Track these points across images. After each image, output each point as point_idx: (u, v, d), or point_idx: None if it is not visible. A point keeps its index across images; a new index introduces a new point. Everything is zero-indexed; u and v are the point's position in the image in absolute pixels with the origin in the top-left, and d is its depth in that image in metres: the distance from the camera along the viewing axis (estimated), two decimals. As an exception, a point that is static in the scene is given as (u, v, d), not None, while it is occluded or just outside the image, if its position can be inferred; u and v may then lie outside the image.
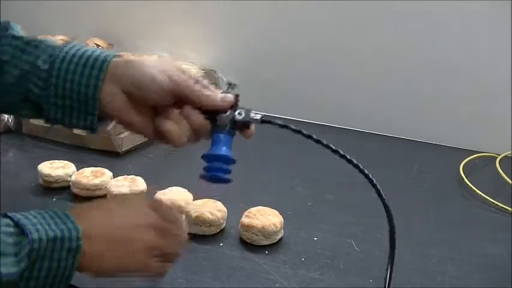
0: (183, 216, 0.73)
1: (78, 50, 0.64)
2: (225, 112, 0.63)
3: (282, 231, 0.81)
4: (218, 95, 0.63)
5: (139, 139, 1.12)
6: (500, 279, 0.75)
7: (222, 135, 0.63)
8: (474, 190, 1.00)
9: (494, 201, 0.97)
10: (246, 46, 1.38)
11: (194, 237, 0.78)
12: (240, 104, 0.63)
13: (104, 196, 0.90)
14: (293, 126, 0.61)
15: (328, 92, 1.34)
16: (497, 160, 1.09)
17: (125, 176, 0.93)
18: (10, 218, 0.53)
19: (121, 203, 0.66)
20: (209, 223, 0.81)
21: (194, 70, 1.29)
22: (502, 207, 0.95)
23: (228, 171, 0.63)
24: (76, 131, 1.10)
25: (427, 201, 0.98)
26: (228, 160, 0.63)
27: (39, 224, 0.53)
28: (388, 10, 1.23)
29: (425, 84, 1.25)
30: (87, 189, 0.90)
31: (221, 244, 0.79)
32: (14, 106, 0.65)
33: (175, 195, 0.87)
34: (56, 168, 0.93)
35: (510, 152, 1.13)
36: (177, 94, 0.62)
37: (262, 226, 0.78)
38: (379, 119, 1.30)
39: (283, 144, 1.21)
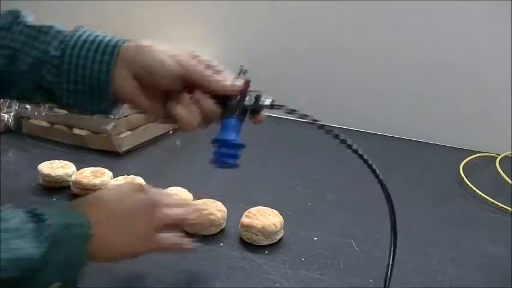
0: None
1: (89, 35, 0.64)
2: (236, 97, 0.63)
3: (282, 231, 0.81)
4: (228, 80, 0.63)
5: (139, 139, 1.12)
6: (500, 279, 0.75)
7: (232, 120, 0.64)
8: (474, 190, 1.00)
9: (494, 201, 0.97)
10: (246, 46, 1.38)
11: (194, 237, 0.78)
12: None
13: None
14: (300, 112, 0.62)
15: (328, 92, 1.34)
16: (497, 160, 1.09)
17: (125, 176, 0.93)
18: (23, 209, 0.54)
19: (112, 191, 0.67)
20: (209, 223, 0.81)
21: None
22: (502, 207, 0.95)
23: (237, 157, 0.64)
24: (76, 131, 1.11)
25: (427, 201, 0.98)
26: (237, 145, 0.64)
27: (52, 213, 0.55)
28: (388, 10, 1.23)
29: (425, 84, 1.26)
30: (87, 189, 0.89)
31: (221, 244, 0.79)
32: (27, 93, 0.66)
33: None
34: (56, 168, 0.93)
35: (510, 152, 1.14)
36: (187, 79, 0.62)
37: (262, 226, 0.78)
38: (379, 119, 1.30)
39: (283, 144, 1.21)
